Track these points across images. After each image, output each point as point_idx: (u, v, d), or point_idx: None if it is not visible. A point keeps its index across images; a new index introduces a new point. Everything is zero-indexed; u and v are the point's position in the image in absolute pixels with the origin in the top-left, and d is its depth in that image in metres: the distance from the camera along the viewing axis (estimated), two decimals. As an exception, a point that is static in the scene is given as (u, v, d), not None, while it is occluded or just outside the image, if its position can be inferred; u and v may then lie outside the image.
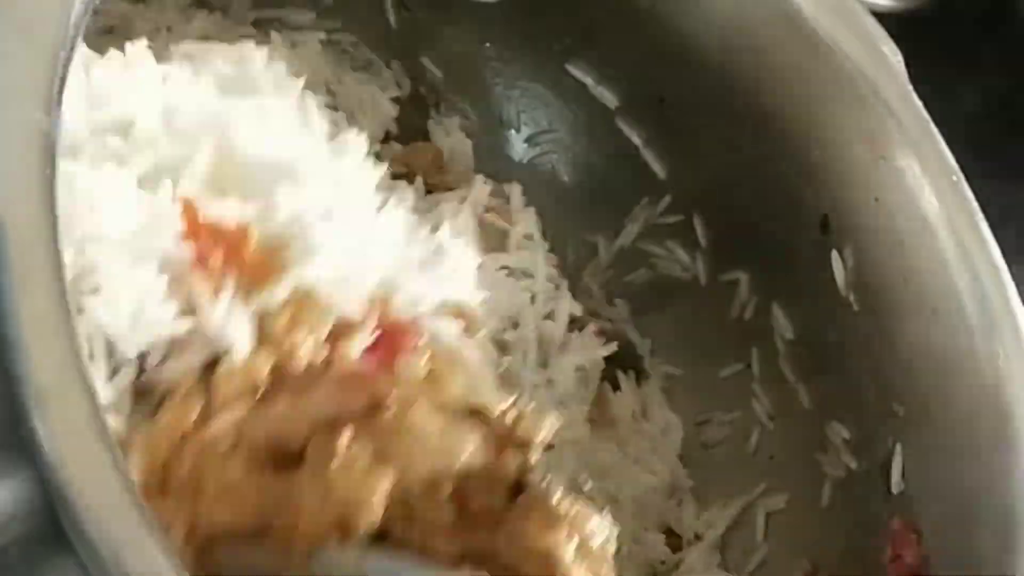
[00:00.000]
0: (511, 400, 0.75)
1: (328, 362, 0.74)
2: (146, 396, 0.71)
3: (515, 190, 1.08)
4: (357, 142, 0.86)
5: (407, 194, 0.98)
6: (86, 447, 0.56)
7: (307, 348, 0.73)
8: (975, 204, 0.91)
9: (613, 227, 1.09)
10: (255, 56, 0.86)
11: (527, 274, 1.03)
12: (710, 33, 0.99)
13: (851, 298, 0.96)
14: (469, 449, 0.72)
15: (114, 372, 0.70)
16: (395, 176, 1.01)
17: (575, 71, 1.07)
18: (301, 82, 0.87)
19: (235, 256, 0.73)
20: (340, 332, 0.75)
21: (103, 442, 0.56)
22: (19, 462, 0.56)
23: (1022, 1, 1.34)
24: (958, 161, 0.91)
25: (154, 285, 0.70)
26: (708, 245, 1.06)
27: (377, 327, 0.77)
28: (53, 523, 0.56)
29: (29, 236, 0.57)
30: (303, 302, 0.74)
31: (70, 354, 0.56)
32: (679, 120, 1.05)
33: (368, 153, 0.86)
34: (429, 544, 0.69)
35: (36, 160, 0.59)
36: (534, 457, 0.74)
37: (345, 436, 0.69)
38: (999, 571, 0.81)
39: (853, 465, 0.95)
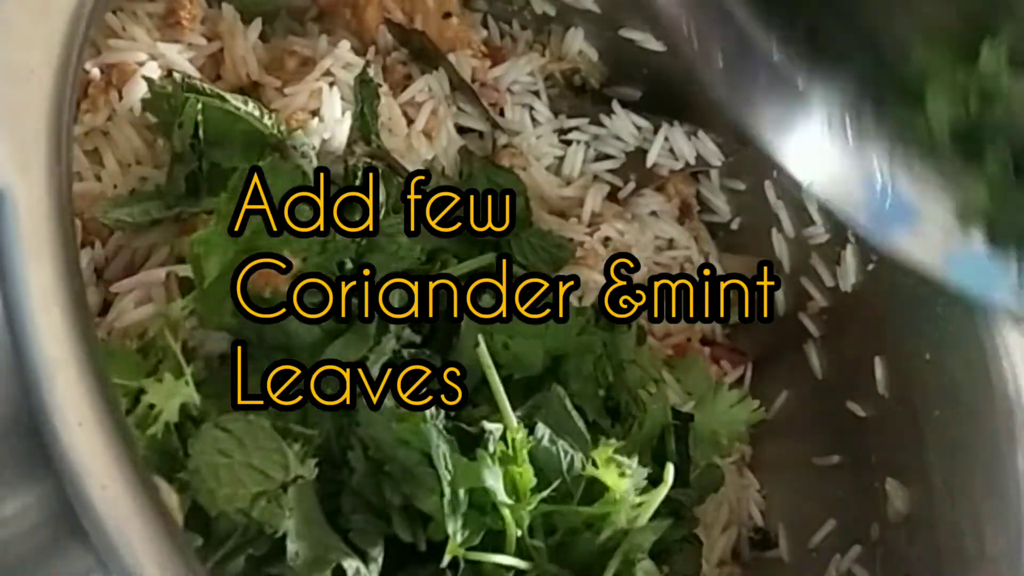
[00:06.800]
0: None
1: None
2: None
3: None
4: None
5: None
6: (95, 423, 0.57)
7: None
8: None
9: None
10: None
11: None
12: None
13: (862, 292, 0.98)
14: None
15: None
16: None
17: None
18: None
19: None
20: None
21: (112, 416, 0.57)
22: (31, 447, 0.56)
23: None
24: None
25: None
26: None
27: None
28: (68, 513, 0.56)
29: (40, 210, 0.57)
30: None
31: (79, 325, 0.56)
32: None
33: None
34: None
35: (47, 136, 0.60)
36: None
37: None
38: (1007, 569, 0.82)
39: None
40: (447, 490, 0.72)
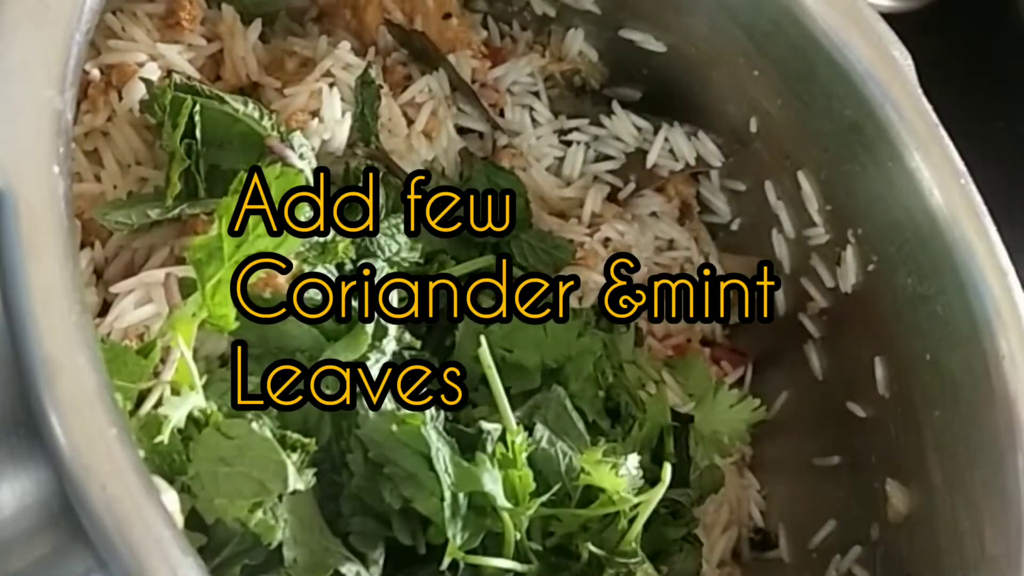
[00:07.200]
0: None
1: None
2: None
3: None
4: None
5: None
6: (95, 424, 0.56)
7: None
8: (983, 206, 0.91)
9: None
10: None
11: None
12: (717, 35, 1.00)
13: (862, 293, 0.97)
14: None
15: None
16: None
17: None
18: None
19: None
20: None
21: (111, 417, 0.57)
22: (32, 447, 0.56)
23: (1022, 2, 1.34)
24: (963, 158, 0.92)
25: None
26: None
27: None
28: (68, 514, 0.56)
29: (40, 210, 0.57)
30: None
31: (79, 325, 0.56)
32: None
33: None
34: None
35: (48, 137, 0.60)
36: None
37: None
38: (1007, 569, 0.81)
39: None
40: (447, 493, 0.72)
